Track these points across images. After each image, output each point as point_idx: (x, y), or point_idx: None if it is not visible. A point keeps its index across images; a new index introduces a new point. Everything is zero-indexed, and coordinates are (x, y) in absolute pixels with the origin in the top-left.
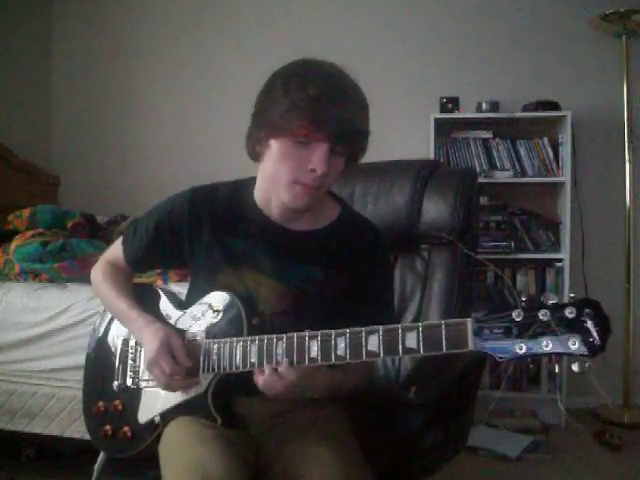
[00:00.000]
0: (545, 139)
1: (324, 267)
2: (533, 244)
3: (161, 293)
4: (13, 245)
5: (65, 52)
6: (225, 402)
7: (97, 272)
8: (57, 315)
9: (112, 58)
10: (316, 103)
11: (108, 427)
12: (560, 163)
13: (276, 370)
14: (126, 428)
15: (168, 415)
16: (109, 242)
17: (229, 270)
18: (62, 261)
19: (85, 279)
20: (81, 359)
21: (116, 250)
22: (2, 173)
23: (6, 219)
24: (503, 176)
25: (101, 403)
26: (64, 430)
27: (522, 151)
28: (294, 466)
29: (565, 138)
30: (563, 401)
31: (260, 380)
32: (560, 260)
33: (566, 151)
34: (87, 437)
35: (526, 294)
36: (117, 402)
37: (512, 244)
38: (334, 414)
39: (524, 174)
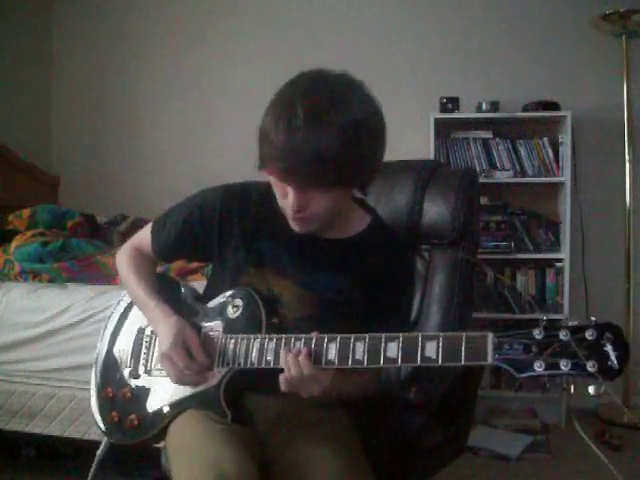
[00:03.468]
0: (545, 139)
1: (349, 276)
2: (533, 244)
3: (181, 285)
4: (13, 245)
5: (65, 52)
6: (236, 397)
7: (123, 256)
8: (57, 315)
9: (112, 58)
10: (285, 154)
11: (115, 414)
12: (560, 163)
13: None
14: (132, 416)
15: (178, 406)
16: (109, 242)
17: (253, 271)
18: (62, 261)
19: (85, 279)
20: (81, 359)
21: (144, 237)
22: (2, 173)
23: (6, 219)
24: (503, 176)
25: (110, 389)
26: (64, 430)
27: (522, 151)
28: (297, 465)
29: (565, 138)
30: (563, 401)
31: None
32: (560, 260)
33: (566, 151)
34: (87, 437)
35: (526, 294)
36: (126, 390)
37: (512, 244)
38: (338, 415)
39: (524, 174)
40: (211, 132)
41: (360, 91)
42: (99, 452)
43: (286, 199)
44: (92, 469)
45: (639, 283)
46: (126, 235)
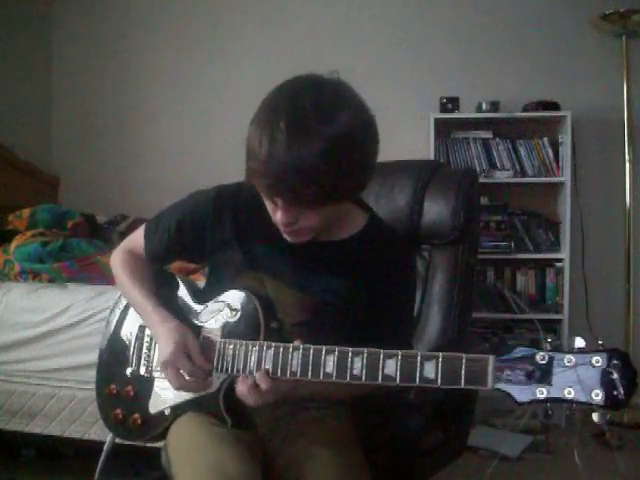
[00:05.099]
0: (545, 139)
1: (347, 278)
2: (533, 244)
3: (180, 283)
4: (13, 245)
5: (65, 52)
6: (235, 403)
7: (116, 259)
8: (57, 315)
9: (112, 58)
10: (268, 170)
11: (119, 411)
12: (560, 163)
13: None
14: (136, 415)
15: (178, 409)
16: (109, 242)
17: (249, 274)
18: (62, 261)
19: (85, 279)
20: (81, 359)
21: (137, 239)
22: (2, 173)
23: (6, 219)
24: (503, 176)
25: (113, 386)
26: (64, 430)
27: (522, 151)
28: (295, 464)
29: (565, 138)
30: None
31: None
32: (560, 260)
33: (566, 151)
34: (87, 437)
35: (526, 294)
36: (129, 388)
37: (512, 244)
38: (337, 414)
39: (524, 174)
40: (211, 132)
41: (350, 99)
42: (106, 447)
43: (275, 214)
44: (99, 464)
45: (639, 283)
46: (126, 235)
